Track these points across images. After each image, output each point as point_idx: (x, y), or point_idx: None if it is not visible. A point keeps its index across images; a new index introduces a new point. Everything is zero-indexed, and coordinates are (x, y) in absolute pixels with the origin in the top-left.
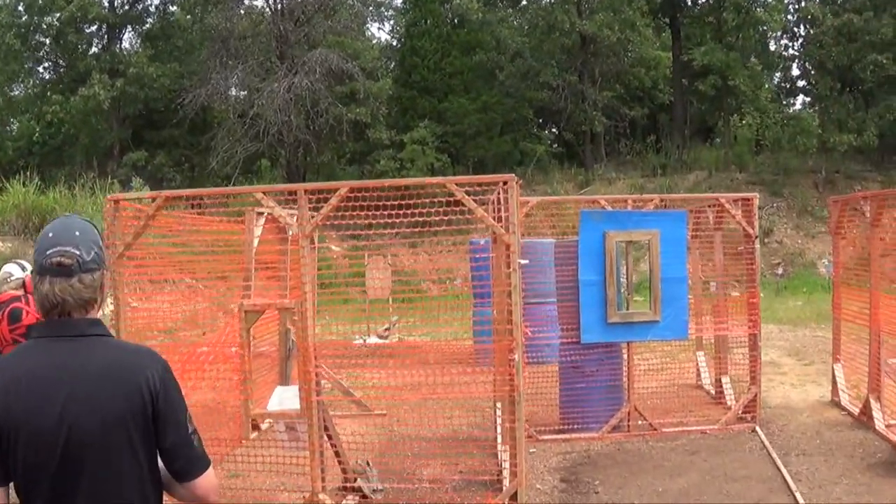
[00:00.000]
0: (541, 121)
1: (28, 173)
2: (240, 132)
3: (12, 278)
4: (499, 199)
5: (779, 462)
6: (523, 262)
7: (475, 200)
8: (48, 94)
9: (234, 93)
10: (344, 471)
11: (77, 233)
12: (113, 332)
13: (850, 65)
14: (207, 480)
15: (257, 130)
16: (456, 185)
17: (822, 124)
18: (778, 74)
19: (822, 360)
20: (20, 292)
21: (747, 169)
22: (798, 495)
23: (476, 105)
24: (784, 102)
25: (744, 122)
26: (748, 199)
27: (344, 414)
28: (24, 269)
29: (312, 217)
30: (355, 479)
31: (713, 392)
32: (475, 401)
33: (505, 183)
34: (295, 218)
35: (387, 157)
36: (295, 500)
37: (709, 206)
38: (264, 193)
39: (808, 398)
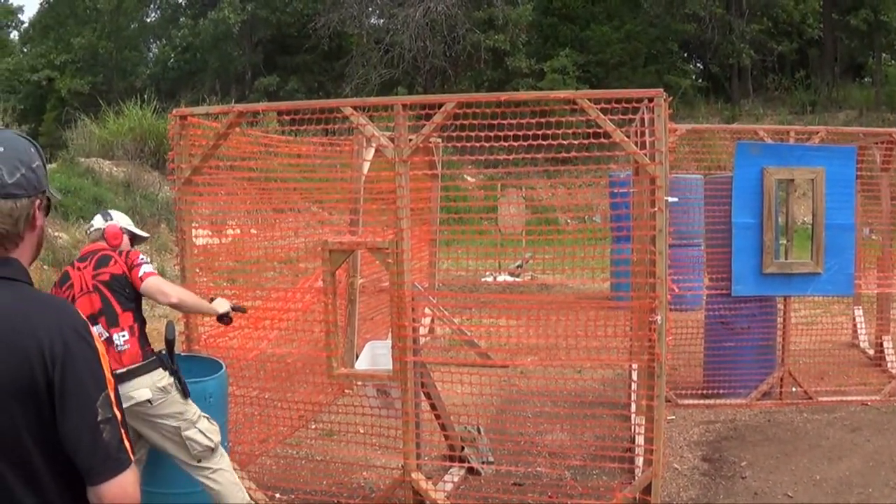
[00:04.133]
0: (685, 54)
1: (156, 98)
2: (375, 58)
3: (92, 229)
4: (643, 122)
5: None
6: (672, 199)
7: (617, 126)
8: (179, 18)
9: (368, 18)
10: (447, 438)
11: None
12: (178, 270)
13: None
14: (119, 488)
15: (392, 56)
16: (590, 101)
17: None
18: None
19: None
20: (101, 244)
21: None
22: None
23: (619, 34)
24: None
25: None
26: None
27: (461, 361)
28: (106, 218)
29: (411, 140)
30: (462, 449)
31: (871, 353)
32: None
33: (651, 100)
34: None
35: (526, 87)
36: (384, 479)
37: (875, 144)
38: (354, 108)
39: None
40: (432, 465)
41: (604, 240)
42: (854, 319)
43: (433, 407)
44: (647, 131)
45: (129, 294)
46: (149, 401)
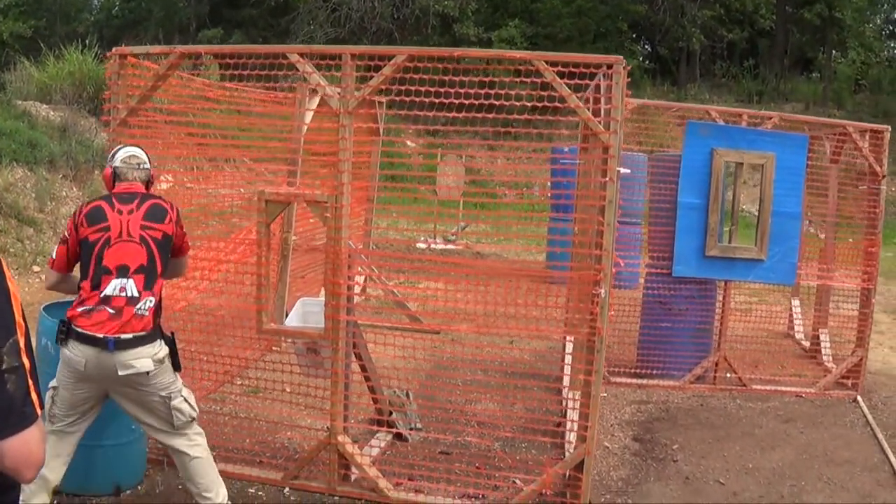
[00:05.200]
0: (634, 35)
1: (98, 44)
2: (321, 16)
3: (146, 166)
4: (596, 89)
5: (887, 447)
6: (624, 171)
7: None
8: None
9: None
10: (376, 402)
11: None
12: None
13: None
14: (22, 444)
15: (339, 16)
16: (546, 63)
17: None
18: (881, 15)
19: None
20: (139, 186)
21: (845, 107)
22: None
23: (570, 9)
24: (887, 43)
25: (847, 56)
26: (879, 132)
27: (395, 323)
28: (149, 157)
29: (359, 89)
30: (390, 413)
31: (807, 345)
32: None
33: (610, 67)
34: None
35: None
36: (308, 441)
37: (826, 136)
38: (301, 55)
39: None
40: (358, 429)
41: (541, 210)
42: (791, 310)
43: (363, 369)
44: (603, 99)
45: (170, 258)
46: (147, 372)
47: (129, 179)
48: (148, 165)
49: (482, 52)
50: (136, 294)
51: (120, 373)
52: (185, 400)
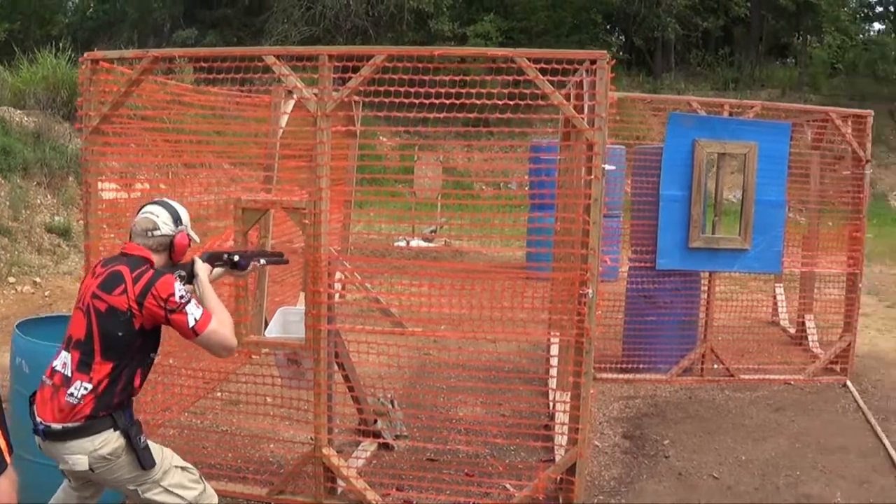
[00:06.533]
0: (608, 26)
1: (72, 47)
2: (296, 15)
3: (157, 233)
4: (577, 85)
5: (880, 431)
6: (609, 167)
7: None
8: None
9: None
10: (360, 411)
11: None
12: (82, 224)
13: None
14: None
15: (314, 14)
16: (529, 60)
17: None
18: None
19: None
20: (155, 256)
21: (821, 91)
22: None
23: (545, 1)
24: (862, 25)
25: (823, 41)
26: (862, 117)
27: (377, 330)
28: (178, 220)
29: (337, 91)
30: (375, 422)
31: (792, 332)
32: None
33: (593, 62)
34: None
35: None
36: (292, 454)
37: (807, 122)
38: (277, 58)
39: None
40: (343, 440)
41: (519, 208)
42: (775, 297)
43: (346, 378)
44: (586, 95)
45: (125, 339)
46: (90, 468)
47: (136, 242)
48: (162, 231)
49: (463, 50)
50: (69, 374)
51: (60, 466)
52: (167, 490)
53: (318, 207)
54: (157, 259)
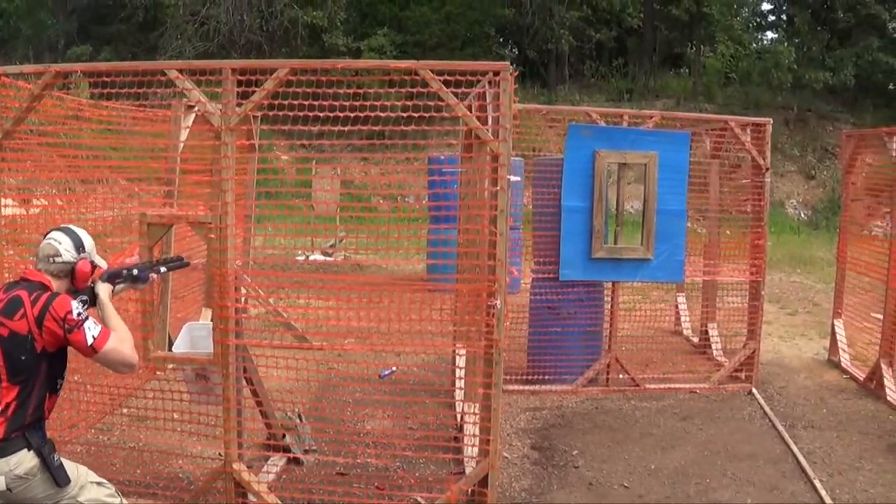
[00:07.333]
0: (501, 38)
1: None
2: (190, 31)
3: (59, 259)
4: (480, 97)
5: (787, 437)
6: (514, 179)
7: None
8: None
9: None
10: (268, 426)
11: None
12: None
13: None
14: None
15: (208, 29)
16: (432, 72)
17: (797, 60)
18: (746, 8)
19: (805, 310)
20: (56, 282)
21: (715, 101)
22: (818, 483)
23: (439, 15)
24: (755, 35)
25: (717, 50)
26: (761, 125)
27: (284, 345)
28: (79, 248)
29: (241, 105)
30: (283, 437)
31: (696, 341)
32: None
33: (497, 73)
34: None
35: None
36: (202, 469)
37: (705, 132)
38: (180, 72)
39: (801, 355)
40: (252, 455)
41: (417, 220)
42: (677, 306)
43: (254, 393)
44: (490, 106)
45: (28, 362)
46: (8, 489)
47: (38, 268)
48: (64, 258)
49: (367, 63)
50: None
51: None
52: None
53: (223, 222)
54: (59, 285)
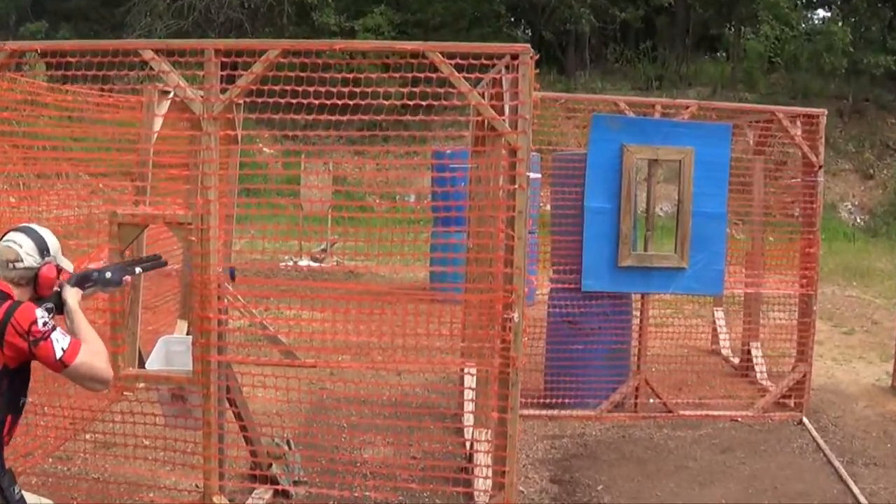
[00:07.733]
0: (513, 18)
1: None
2: (161, 7)
3: (20, 265)
4: (492, 83)
5: (845, 475)
6: (534, 176)
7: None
8: None
9: None
10: (253, 454)
11: None
12: None
13: None
14: None
15: (182, 5)
16: (441, 54)
17: (854, 42)
18: None
19: (862, 329)
20: (17, 290)
21: (757, 89)
22: None
23: None
24: (804, 14)
25: (760, 32)
26: (814, 117)
27: (262, 361)
28: (44, 251)
29: (226, 91)
30: (269, 466)
31: (736, 362)
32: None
33: (515, 57)
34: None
35: None
36: (176, 503)
37: (748, 124)
38: (156, 52)
39: (859, 380)
40: (233, 486)
41: (419, 222)
42: (714, 322)
43: (238, 416)
44: (507, 94)
45: None
46: None
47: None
48: (25, 264)
49: (368, 43)
50: None
51: None
52: None
53: (206, 222)
54: (20, 293)
